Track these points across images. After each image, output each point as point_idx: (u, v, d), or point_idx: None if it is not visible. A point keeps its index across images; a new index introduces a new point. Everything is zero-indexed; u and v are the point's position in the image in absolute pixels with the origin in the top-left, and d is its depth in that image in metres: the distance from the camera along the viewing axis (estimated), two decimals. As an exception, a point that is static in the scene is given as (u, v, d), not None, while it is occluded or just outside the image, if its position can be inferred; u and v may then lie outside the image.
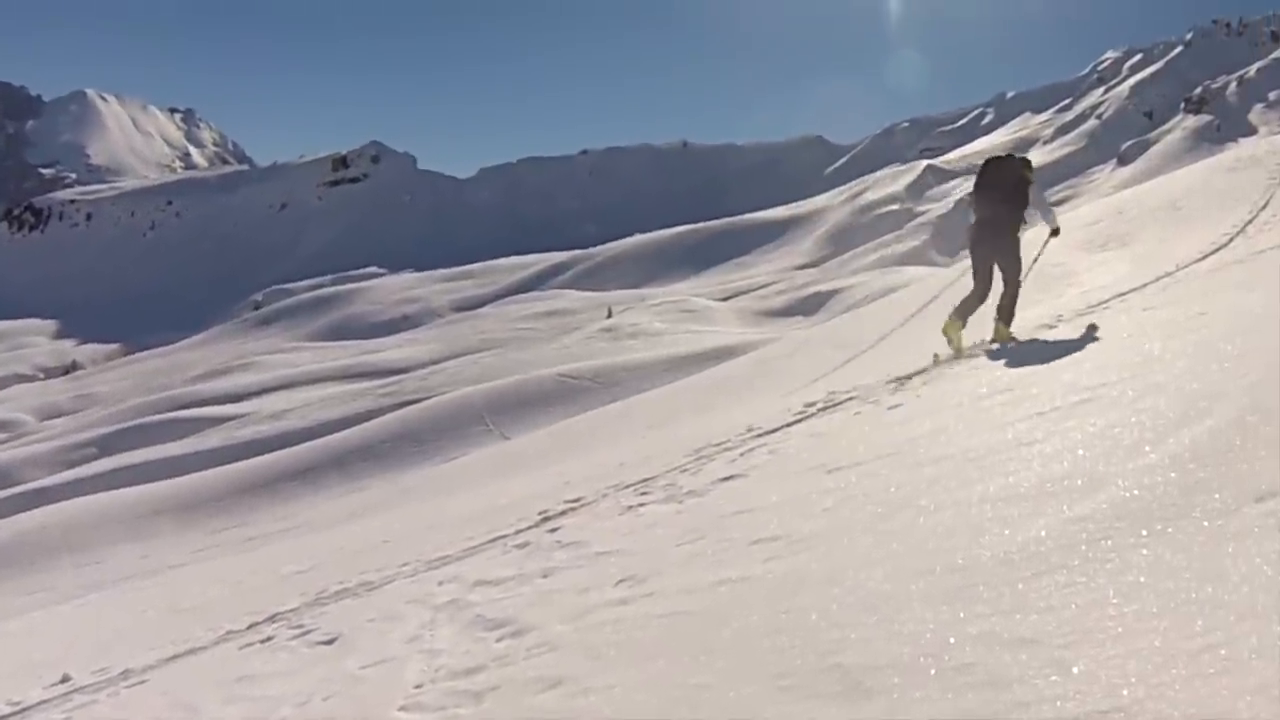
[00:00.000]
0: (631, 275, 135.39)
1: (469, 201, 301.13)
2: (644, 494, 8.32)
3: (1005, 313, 11.27)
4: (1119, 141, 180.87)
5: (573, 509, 8.73)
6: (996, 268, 11.34)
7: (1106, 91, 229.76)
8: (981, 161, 11.88)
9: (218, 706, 5.87)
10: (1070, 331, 10.58)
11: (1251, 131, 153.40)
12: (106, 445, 56.46)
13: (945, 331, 11.45)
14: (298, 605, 8.11)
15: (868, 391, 10.47)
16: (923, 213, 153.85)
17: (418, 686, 5.00)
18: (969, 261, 11.92)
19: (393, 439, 36.67)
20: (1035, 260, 12.33)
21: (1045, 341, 10.43)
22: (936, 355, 11.31)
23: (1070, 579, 3.62)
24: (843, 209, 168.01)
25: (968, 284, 11.89)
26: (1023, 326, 11.82)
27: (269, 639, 7.16)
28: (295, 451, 38.04)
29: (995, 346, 11.00)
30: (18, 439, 76.68)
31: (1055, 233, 11.88)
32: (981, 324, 11.70)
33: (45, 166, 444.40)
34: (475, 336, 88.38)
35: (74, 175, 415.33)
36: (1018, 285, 11.28)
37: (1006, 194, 11.05)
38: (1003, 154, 11.70)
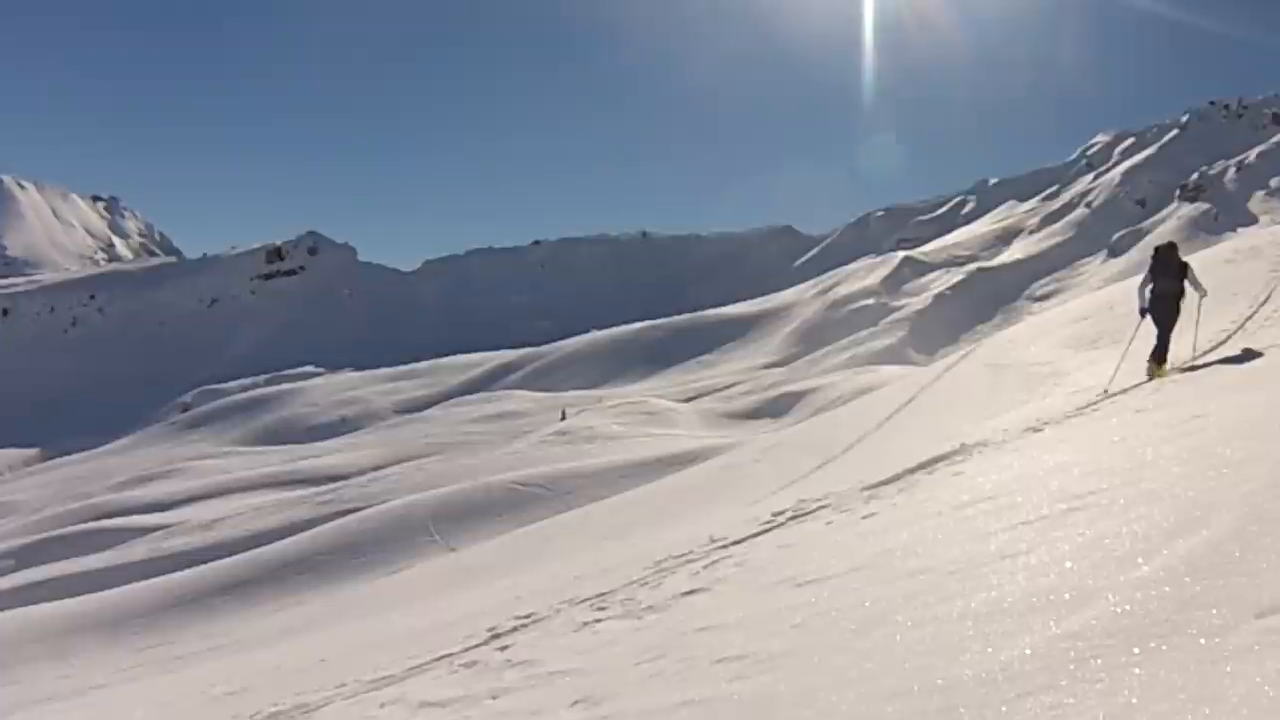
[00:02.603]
0: (587, 375, 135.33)
1: (413, 296, 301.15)
2: (600, 609, 8.28)
3: (1163, 356, 16.42)
4: (1110, 231, 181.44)
5: (524, 625, 8.67)
6: (1168, 325, 16.56)
7: (1096, 178, 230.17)
8: (1152, 250, 17.61)
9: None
10: (1058, 435, 10.64)
11: (1251, 221, 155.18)
12: (24, 557, 55.76)
13: (1152, 375, 16.06)
14: (226, 731, 7.99)
15: (840, 500, 10.48)
16: (899, 308, 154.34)
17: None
18: (1148, 322, 16.88)
19: (331, 550, 36.39)
20: (1198, 319, 17.15)
21: (1031, 446, 10.47)
22: (1153, 374, 15.99)
23: (1057, 700, 3.61)
24: (813, 304, 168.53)
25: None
26: (1008, 430, 11.90)
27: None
28: (226, 564, 37.69)
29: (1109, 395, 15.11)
30: (-76, 552, 75.71)
31: (1203, 295, 16.89)
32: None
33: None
34: (419, 440, 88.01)
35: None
36: (1170, 336, 16.55)
37: (1175, 275, 16.65)
38: (1165, 243, 17.60)
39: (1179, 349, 16.78)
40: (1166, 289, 16.63)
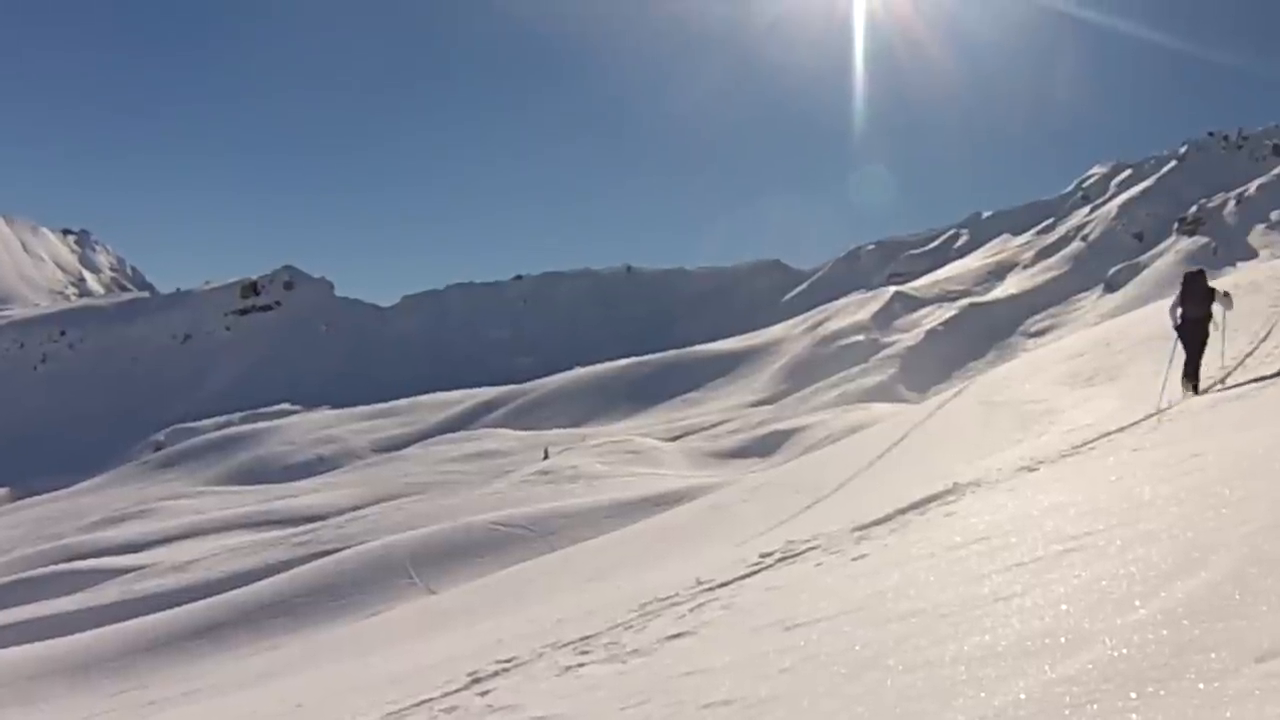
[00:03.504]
0: (570, 413, 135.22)
1: (391, 332, 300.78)
2: (584, 653, 8.25)
3: (1196, 376, 17.88)
4: (1106, 265, 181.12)
5: (505, 669, 8.64)
6: (1196, 348, 18.01)
7: (1092, 211, 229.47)
8: (1182, 276, 19.19)
9: None
10: (1053, 475, 10.64)
11: (1251, 255, 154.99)
12: (-10, 600, 55.50)
13: (1186, 394, 17.38)
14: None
15: (830, 540, 10.47)
16: (890, 344, 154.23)
17: None
18: (1178, 345, 18.29)
19: (307, 593, 36.27)
20: (1223, 337, 18.90)
21: (1025, 486, 10.47)
22: (1186, 392, 17.46)
23: (1054, 747, 3.59)
24: (802, 340, 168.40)
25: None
26: (1001, 469, 11.91)
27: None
28: (201, 607, 37.54)
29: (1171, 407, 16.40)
30: (-113, 595, 75.30)
31: (1229, 306, 18.63)
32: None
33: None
34: (398, 480, 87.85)
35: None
36: (1200, 358, 18.05)
37: (1203, 299, 18.12)
38: (1194, 269, 19.26)
39: (1208, 369, 18.33)
40: (1194, 313, 18.11)
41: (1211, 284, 18.68)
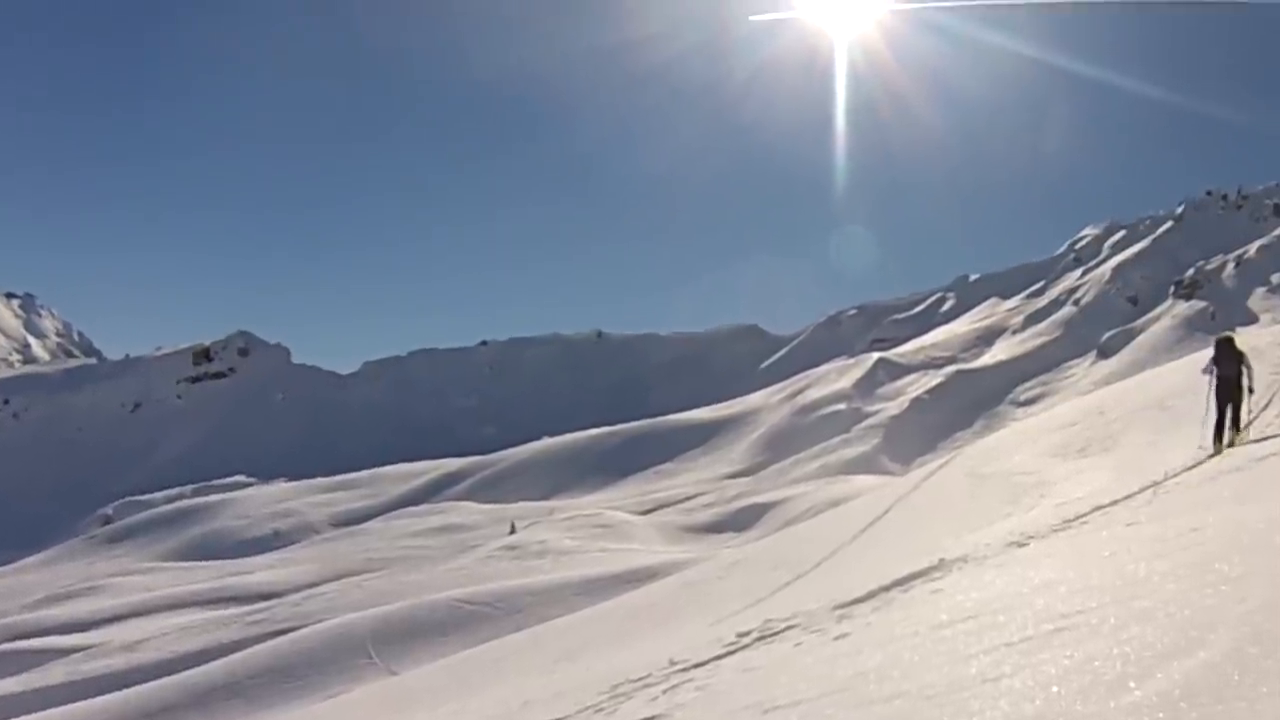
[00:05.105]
0: (538, 485, 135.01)
1: (351, 400, 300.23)
2: (552, 738, 8.20)
3: (1238, 427, 19.81)
4: (1099, 331, 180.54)
5: (469, 756, 8.59)
6: (1230, 404, 20.09)
7: (1085, 274, 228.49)
8: (1213, 342, 21.75)
9: None
10: (1043, 550, 10.65)
11: (1251, 320, 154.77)
12: (-71, 683, 55.05)
13: (1216, 449, 19.13)
14: None
15: (810, 619, 10.45)
16: (873, 413, 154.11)
17: None
18: (1212, 403, 20.17)
19: (262, 673, 36.09)
20: (1251, 396, 20.70)
21: (1015, 562, 10.47)
22: (1214, 449, 19.10)
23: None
24: (781, 409, 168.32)
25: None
26: (990, 544, 11.93)
27: None
28: (150, 688, 37.34)
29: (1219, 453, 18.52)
30: None
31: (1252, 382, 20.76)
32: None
33: None
34: (358, 555, 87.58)
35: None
36: (1240, 413, 20.10)
37: (1235, 362, 20.40)
38: (1225, 335, 21.89)
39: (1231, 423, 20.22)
40: (1227, 373, 20.52)
41: (1241, 350, 21.09)
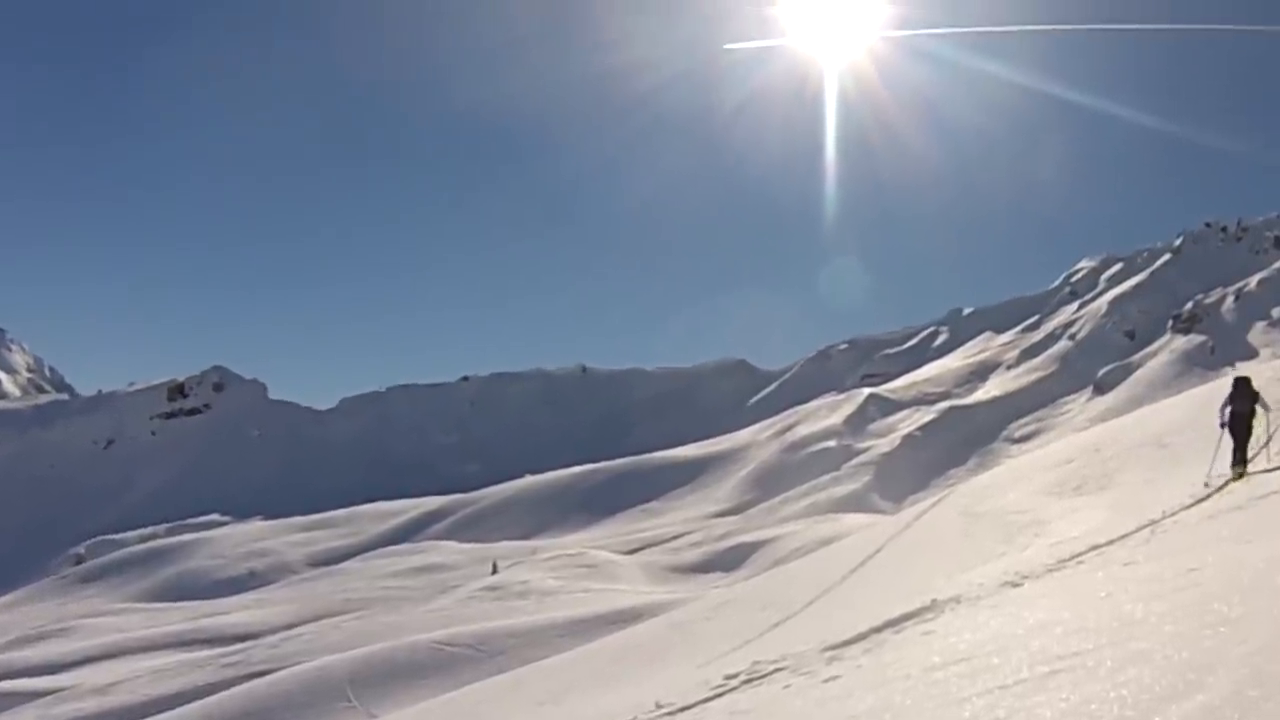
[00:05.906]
0: (520, 523, 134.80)
1: (329, 436, 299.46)
2: (537, 784, 8.19)
3: (1243, 461, 20.60)
4: (1095, 366, 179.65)
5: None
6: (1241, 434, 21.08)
7: (1081, 307, 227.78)
8: (1231, 382, 22.87)
9: None
10: (1038, 591, 10.65)
11: (1251, 354, 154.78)
12: (-105, 728, 54.89)
13: (1234, 479, 19.98)
14: None
15: (799, 661, 10.44)
16: (864, 450, 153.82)
17: None
18: (1226, 437, 21.27)
19: (238, 717, 36.04)
20: (1269, 428, 22.00)
21: (1009, 602, 10.47)
22: (1236, 475, 20.13)
23: None
24: (769, 446, 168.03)
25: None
26: (984, 585, 11.93)
27: None
28: (121, 733, 37.24)
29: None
30: None
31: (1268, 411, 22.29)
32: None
33: None
34: (336, 596, 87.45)
35: None
36: (1245, 449, 20.94)
37: (1249, 399, 21.67)
38: (1242, 375, 23.37)
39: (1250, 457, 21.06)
40: (1242, 409, 21.84)
41: (1256, 389, 22.44)
